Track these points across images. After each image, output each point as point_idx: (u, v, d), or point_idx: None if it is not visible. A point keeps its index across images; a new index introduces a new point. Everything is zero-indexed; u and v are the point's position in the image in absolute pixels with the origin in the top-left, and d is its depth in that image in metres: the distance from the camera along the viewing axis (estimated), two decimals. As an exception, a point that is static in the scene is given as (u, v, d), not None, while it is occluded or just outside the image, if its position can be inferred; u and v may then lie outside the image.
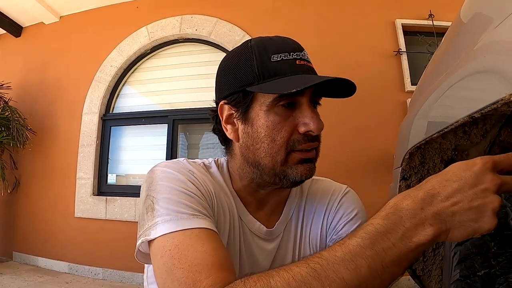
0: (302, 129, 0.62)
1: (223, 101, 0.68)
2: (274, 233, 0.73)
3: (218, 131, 0.73)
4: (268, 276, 0.43)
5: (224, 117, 0.69)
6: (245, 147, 0.66)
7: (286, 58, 0.63)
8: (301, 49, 0.66)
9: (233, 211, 0.70)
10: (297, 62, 0.63)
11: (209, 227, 0.55)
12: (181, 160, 0.68)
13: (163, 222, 0.54)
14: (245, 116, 0.65)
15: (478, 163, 0.44)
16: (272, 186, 0.69)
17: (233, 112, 0.67)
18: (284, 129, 0.62)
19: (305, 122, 0.62)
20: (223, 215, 0.66)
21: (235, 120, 0.68)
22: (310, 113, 0.62)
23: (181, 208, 0.56)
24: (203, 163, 0.74)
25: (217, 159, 0.77)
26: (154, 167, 0.66)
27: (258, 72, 0.62)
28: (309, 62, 0.66)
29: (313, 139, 0.64)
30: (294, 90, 0.57)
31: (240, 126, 0.67)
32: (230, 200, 0.70)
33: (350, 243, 0.43)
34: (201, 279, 0.47)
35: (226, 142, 0.73)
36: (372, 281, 0.41)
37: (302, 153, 0.63)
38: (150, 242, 0.55)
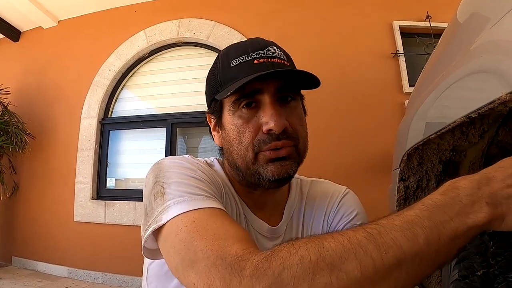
0: (264, 128, 0.62)
1: (207, 111, 0.74)
2: (277, 232, 0.74)
3: (213, 138, 0.76)
4: (320, 238, 0.42)
5: (211, 126, 0.74)
6: (225, 151, 0.70)
7: (244, 60, 0.64)
8: (263, 47, 0.65)
9: (238, 207, 0.71)
10: (255, 61, 0.63)
11: (223, 209, 0.55)
12: (185, 156, 0.69)
13: (176, 204, 0.53)
14: (220, 122, 0.69)
15: None
16: (261, 188, 0.69)
17: (213, 120, 0.72)
18: (248, 130, 0.63)
19: (266, 121, 0.61)
20: (230, 208, 0.67)
21: (217, 128, 0.71)
22: (270, 111, 0.61)
23: (194, 190, 0.55)
24: (206, 161, 0.75)
25: (218, 158, 0.78)
26: (160, 160, 0.66)
27: (219, 80, 0.66)
28: (273, 57, 0.64)
29: (280, 137, 0.62)
30: (229, 93, 0.60)
31: (220, 133, 0.70)
32: (235, 197, 0.71)
33: (408, 213, 0.43)
34: (229, 244, 0.45)
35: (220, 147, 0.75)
36: (428, 253, 0.40)
37: (271, 152, 0.62)
38: (159, 229, 0.53)
